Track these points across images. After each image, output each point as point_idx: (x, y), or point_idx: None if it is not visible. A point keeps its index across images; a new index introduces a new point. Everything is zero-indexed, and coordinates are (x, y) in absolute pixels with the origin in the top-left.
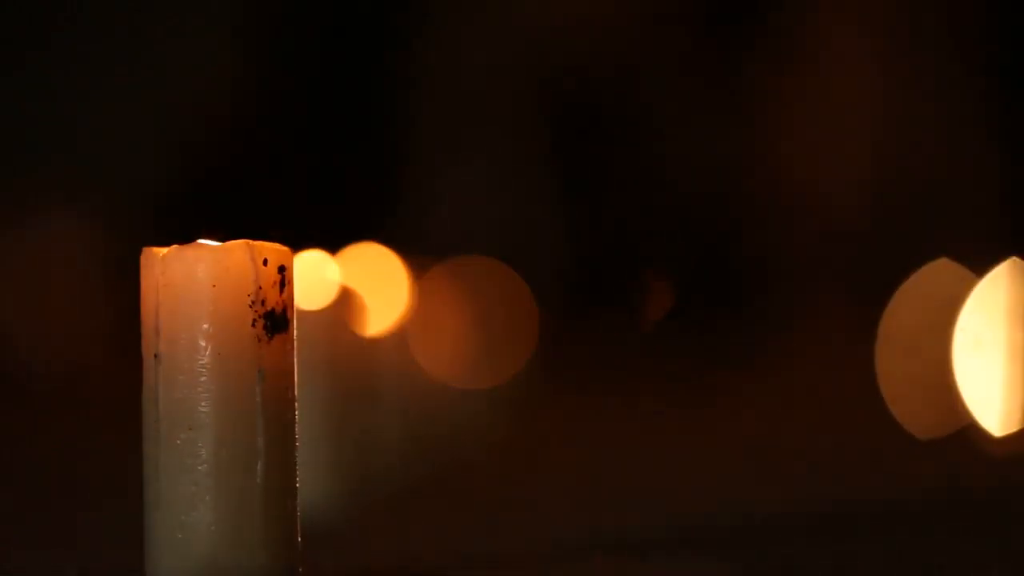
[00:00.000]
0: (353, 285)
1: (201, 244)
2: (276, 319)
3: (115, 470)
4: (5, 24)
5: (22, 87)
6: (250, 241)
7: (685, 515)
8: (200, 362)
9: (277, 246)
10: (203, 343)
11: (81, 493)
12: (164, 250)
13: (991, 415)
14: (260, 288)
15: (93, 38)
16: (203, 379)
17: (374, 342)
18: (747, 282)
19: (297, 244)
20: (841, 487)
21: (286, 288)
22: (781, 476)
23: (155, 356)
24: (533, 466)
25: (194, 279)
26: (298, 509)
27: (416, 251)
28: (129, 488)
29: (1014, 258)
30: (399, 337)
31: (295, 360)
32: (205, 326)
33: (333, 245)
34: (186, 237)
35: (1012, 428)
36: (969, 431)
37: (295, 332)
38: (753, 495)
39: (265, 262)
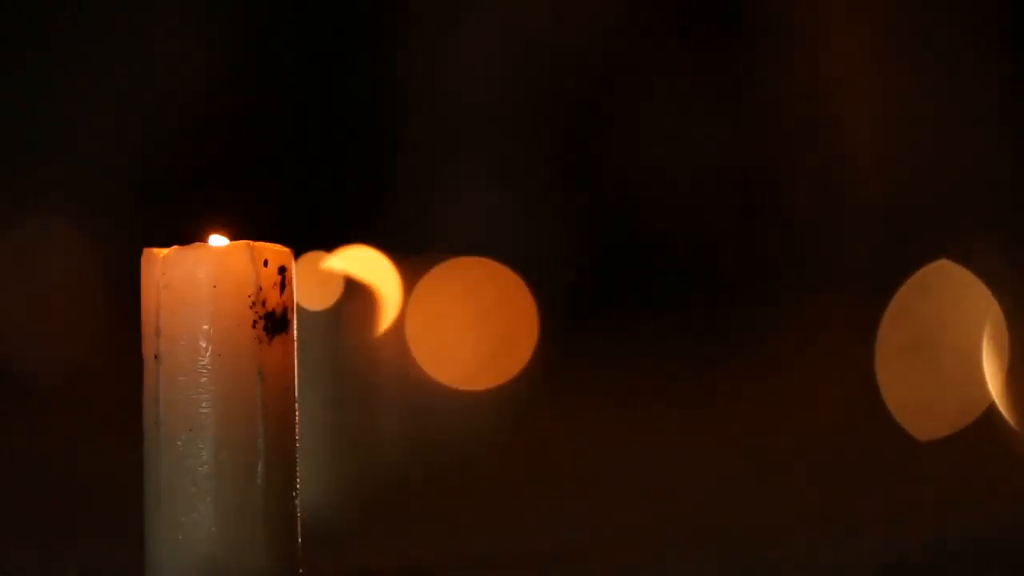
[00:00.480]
0: (352, 286)
1: (202, 245)
2: (276, 320)
3: (115, 470)
4: (5, 24)
5: (22, 87)
6: (251, 242)
7: (685, 515)
8: (200, 363)
9: (278, 247)
10: (203, 344)
11: (81, 493)
12: (165, 251)
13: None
14: (260, 289)
15: (92, 38)
16: (203, 380)
17: (374, 343)
18: (746, 283)
19: (296, 244)
20: (840, 487)
21: (286, 289)
22: (781, 476)
23: (155, 357)
24: (533, 466)
25: (195, 280)
26: (298, 509)
27: (414, 252)
28: (129, 488)
29: None
30: (399, 338)
31: (295, 361)
32: (205, 327)
33: (331, 245)
34: (186, 237)
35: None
36: (971, 431)
37: (295, 333)
38: (753, 495)
39: (266, 263)
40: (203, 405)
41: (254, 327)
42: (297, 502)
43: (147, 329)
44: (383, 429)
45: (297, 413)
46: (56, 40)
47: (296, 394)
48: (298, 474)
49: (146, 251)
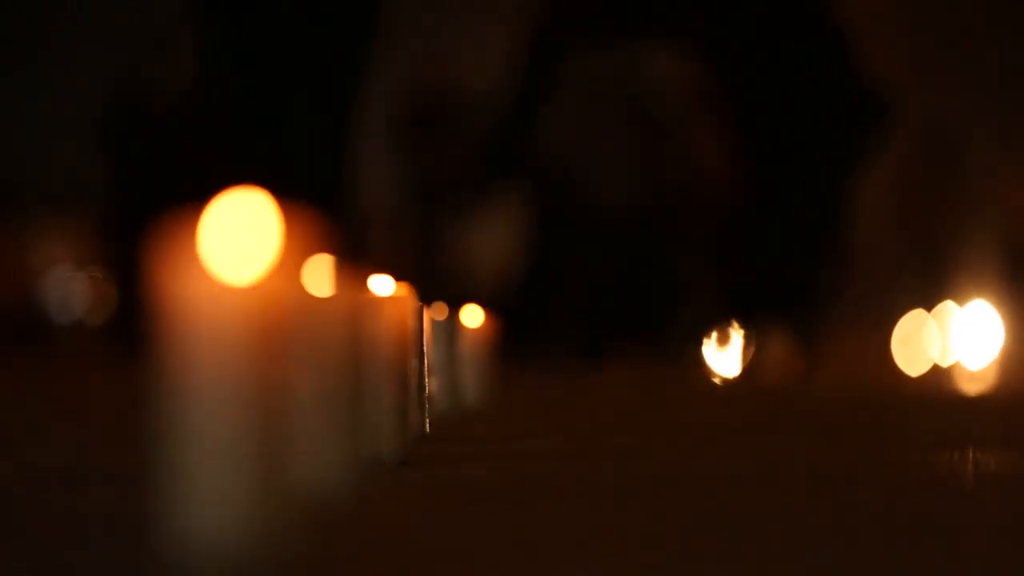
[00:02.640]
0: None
1: (215, 252)
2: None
3: (115, 465)
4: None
5: (22, 87)
6: (274, 255)
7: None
8: (210, 358)
9: (290, 254)
10: (214, 339)
11: (80, 490)
12: (184, 258)
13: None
14: (270, 291)
15: (92, 37)
16: (211, 375)
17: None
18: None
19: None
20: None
21: (297, 295)
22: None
23: (168, 352)
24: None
25: (213, 279)
26: (298, 483)
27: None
28: (129, 483)
29: None
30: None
31: (299, 356)
32: (217, 323)
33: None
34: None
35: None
36: None
37: (300, 331)
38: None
39: (283, 272)
40: (211, 397)
41: (263, 326)
42: (295, 477)
43: (161, 325)
44: (381, 421)
45: (299, 403)
46: (56, 40)
47: (298, 385)
48: (299, 452)
49: (163, 251)
